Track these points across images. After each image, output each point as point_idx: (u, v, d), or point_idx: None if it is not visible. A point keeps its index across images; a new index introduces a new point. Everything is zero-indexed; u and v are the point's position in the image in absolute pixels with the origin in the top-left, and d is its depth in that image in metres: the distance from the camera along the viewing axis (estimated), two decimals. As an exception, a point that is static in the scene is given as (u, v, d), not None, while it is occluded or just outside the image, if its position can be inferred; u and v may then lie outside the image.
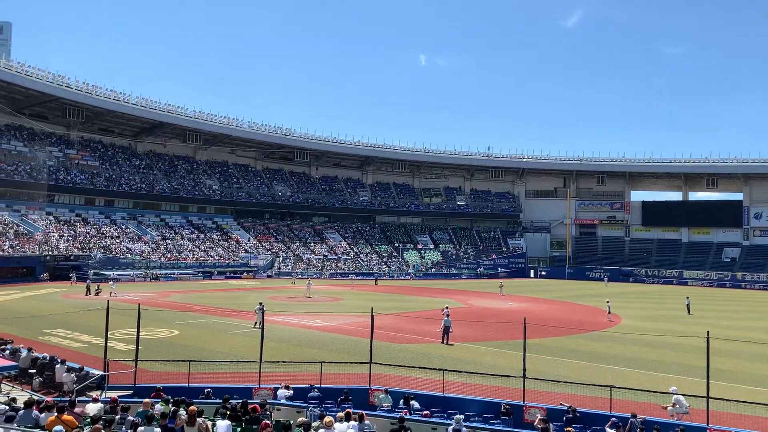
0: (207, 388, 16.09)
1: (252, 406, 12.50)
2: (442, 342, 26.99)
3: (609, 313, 38.42)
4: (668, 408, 15.44)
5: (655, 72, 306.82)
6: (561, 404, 15.56)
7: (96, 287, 46.76)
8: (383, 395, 15.90)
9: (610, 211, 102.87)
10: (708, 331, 14.40)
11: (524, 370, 16.13)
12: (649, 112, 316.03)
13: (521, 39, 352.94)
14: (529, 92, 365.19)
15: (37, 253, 59.02)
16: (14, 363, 18.05)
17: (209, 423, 11.31)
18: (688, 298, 44.98)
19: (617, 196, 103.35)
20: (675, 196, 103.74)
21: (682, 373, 21.48)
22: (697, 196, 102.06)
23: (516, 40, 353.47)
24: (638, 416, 13.94)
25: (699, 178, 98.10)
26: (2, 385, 17.51)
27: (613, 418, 13.76)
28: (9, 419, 9.93)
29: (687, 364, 22.92)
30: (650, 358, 24.75)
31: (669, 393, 15.92)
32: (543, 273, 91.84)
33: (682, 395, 15.63)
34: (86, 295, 44.70)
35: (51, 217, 68.65)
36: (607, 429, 13.28)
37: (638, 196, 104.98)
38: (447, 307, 30.34)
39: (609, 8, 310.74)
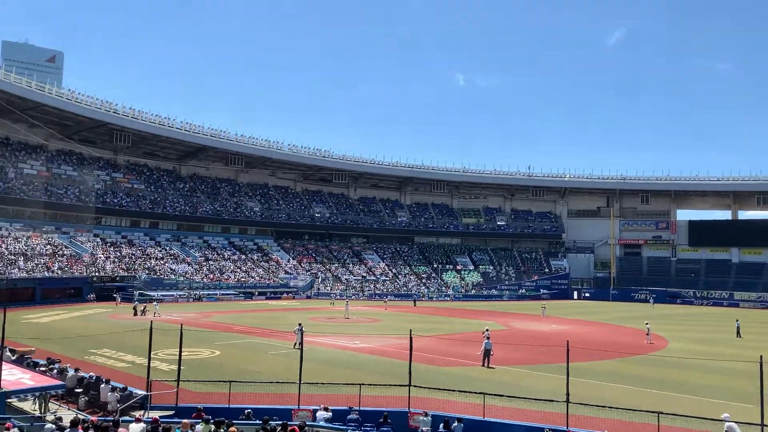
0: (247, 408, 16.14)
1: (291, 428, 12.48)
2: (483, 365, 26.57)
3: (648, 334, 37.27)
4: (720, 436, 14.80)
5: (700, 88, 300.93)
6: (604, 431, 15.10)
7: (142, 308, 47.67)
8: (423, 418, 15.68)
9: (655, 231, 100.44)
10: (761, 356, 13.82)
11: (567, 394, 15.72)
12: (695, 129, 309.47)
13: (561, 57, 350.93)
14: (569, 110, 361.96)
15: (85, 274, 60.57)
16: (61, 382, 18.42)
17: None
18: (737, 320, 43.26)
19: (663, 215, 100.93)
20: (723, 215, 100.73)
21: (734, 399, 20.64)
22: (748, 214, 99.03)
23: (556, 58, 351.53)
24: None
25: (749, 197, 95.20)
26: (50, 404, 17.91)
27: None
28: (55, 438, 10.10)
29: (739, 389, 22.02)
30: (700, 383, 23.89)
31: (721, 420, 15.27)
32: (587, 294, 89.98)
33: (735, 423, 14.98)
34: (134, 315, 45.57)
35: (98, 239, 70.53)
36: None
37: (684, 215, 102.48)
38: (487, 330, 29.92)
39: (651, 25, 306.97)
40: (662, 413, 15.24)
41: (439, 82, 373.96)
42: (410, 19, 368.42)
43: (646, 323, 39.59)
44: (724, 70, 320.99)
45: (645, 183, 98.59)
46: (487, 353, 26.81)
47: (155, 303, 49.94)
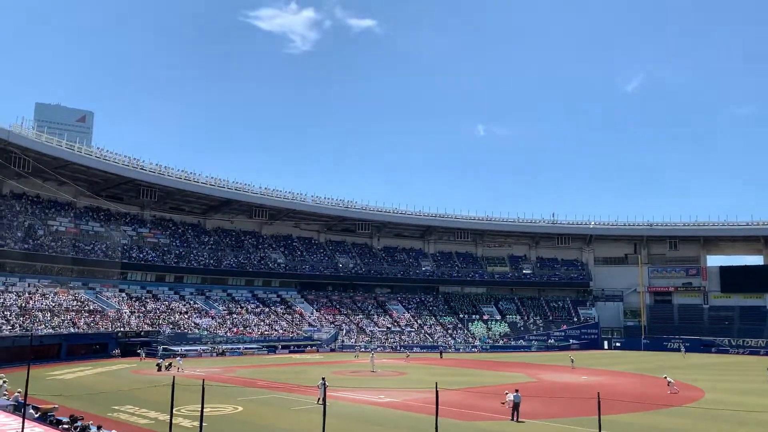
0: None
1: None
2: (512, 419, 25.76)
3: (669, 384, 35.77)
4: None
5: (722, 132, 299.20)
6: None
7: (167, 363, 47.42)
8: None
9: (685, 278, 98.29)
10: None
11: (601, 450, 15.08)
12: (720, 174, 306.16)
13: (579, 105, 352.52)
14: (592, 157, 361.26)
15: (110, 329, 60.80)
16: (82, 441, 18.18)
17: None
18: None
19: (692, 261, 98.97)
20: (755, 260, 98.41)
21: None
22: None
23: (574, 106, 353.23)
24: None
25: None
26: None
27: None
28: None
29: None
30: (740, 436, 22.84)
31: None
32: (617, 344, 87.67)
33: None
34: (158, 371, 45.32)
35: (123, 294, 71.06)
36: None
37: (715, 260, 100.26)
38: (516, 391, 28.59)
39: (669, 71, 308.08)
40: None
41: (459, 132, 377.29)
42: (429, 70, 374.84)
43: (665, 376, 38.21)
44: (744, 115, 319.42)
45: (672, 229, 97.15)
46: (516, 406, 25.98)
47: (179, 358, 49.74)
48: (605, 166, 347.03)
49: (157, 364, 47.23)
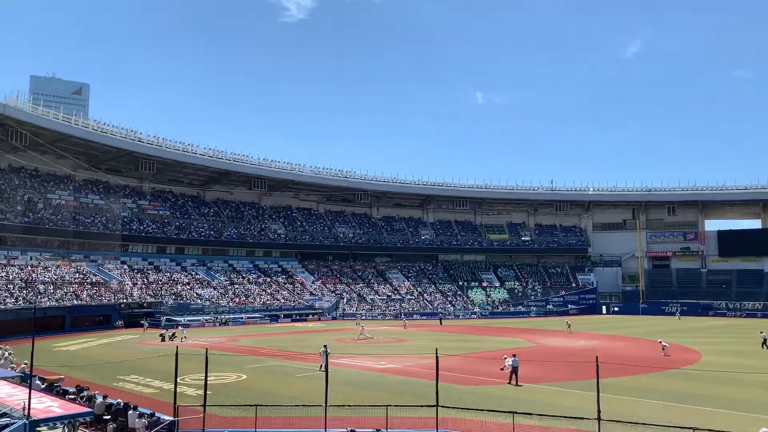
0: (273, 433, 16.09)
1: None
2: (510, 382, 26.19)
3: (663, 348, 36.61)
4: (759, 452, 14.35)
5: (721, 97, 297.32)
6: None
7: (170, 333, 47.83)
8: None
9: (683, 242, 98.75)
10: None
11: (599, 411, 15.41)
12: (718, 138, 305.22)
13: (578, 71, 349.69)
14: (591, 124, 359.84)
15: (113, 301, 61.29)
16: (89, 410, 18.51)
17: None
18: (762, 332, 41.96)
19: (690, 226, 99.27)
20: (753, 224, 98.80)
21: (772, 413, 20.04)
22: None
23: (573, 72, 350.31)
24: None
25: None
26: (79, 431, 18.03)
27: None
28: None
29: (777, 403, 21.39)
30: (735, 397, 23.26)
31: (759, 435, 14.82)
32: (616, 309, 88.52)
33: (774, 437, 14.51)
34: (162, 341, 45.75)
35: (125, 266, 71.42)
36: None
37: (713, 225, 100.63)
38: (514, 355, 29.02)
39: (669, 36, 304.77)
40: (697, 429, 14.86)
41: (457, 100, 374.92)
42: (428, 38, 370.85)
43: (660, 340, 38.95)
44: (747, 78, 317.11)
45: (671, 194, 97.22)
46: (515, 371, 26.39)
47: (181, 328, 50.26)
48: (604, 133, 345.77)
49: (161, 335, 47.75)
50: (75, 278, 62.45)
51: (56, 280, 60.23)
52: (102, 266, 68.82)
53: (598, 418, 15.31)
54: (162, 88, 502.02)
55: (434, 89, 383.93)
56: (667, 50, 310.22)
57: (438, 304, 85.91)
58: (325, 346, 29.55)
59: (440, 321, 71.37)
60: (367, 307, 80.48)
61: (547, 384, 26.47)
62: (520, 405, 20.06)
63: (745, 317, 77.05)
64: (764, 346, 39.83)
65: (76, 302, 57.43)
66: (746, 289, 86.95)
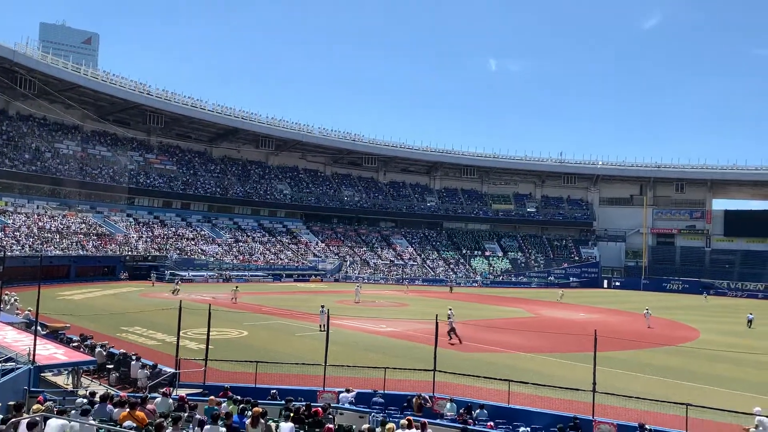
0: (273, 389, 16.32)
1: (315, 409, 12.57)
2: (450, 341, 27.56)
3: (646, 317, 39.25)
4: (750, 430, 14.51)
5: (739, 74, 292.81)
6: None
7: (178, 287, 47.86)
8: (447, 403, 15.69)
9: (689, 220, 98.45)
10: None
11: (594, 383, 15.56)
12: (732, 117, 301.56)
13: (595, 42, 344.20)
14: (603, 96, 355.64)
15: (118, 253, 61.79)
16: (93, 358, 18.84)
17: (273, 425, 11.43)
18: (751, 314, 43.15)
19: (697, 204, 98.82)
20: (761, 205, 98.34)
21: (767, 393, 20.21)
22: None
23: (590, 43, 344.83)
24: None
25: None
26: (82, 379, 18.37)
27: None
28: (84, 412, 10.32)
29: (772, 383, 21.56)
30: (732, 375, 23.46)
31: (752, 414, 14.96)
32: (617, 283, 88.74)
33: (767, 417, 14.66)
34: (173, 294, 45.64)
35: (131, 219, 71.81)
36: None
37: (720, 204, 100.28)
38: (450, 309, 31.03)
39: (688, 10, 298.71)
40: (691, 405, 15.01)
41: (471, 66, 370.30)
42: (443, 3, 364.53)
43: (646, 309, 41.06)
44: (762, 56, 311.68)
45: (680, 171, 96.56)
46: (453, 330, 28.22)
47: (177, 279, 50.78)
48: (616, 106, 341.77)
49: (173, 290, 47.51)
50: (81, 229, 62.88)
51: (62, 229, 60.65)
52: (108, 218, 69.20)
53: (593, 390, 15.48)
54: (172, 43, 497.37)
55: (448, 55, 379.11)
56: (686, 25, 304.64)
57: (440, 271, 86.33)
58: (322, 306, 29.93)
59: (450, 289, 70.07)
60: (370, 271, 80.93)
61: (545, 354, 26.73)
62: (516, 373, 20.29)
63: (746, 297, 77.19)
64: (749, 325, 41.51)
65: (81, 252, 57.93)
66: (750, 270, 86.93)
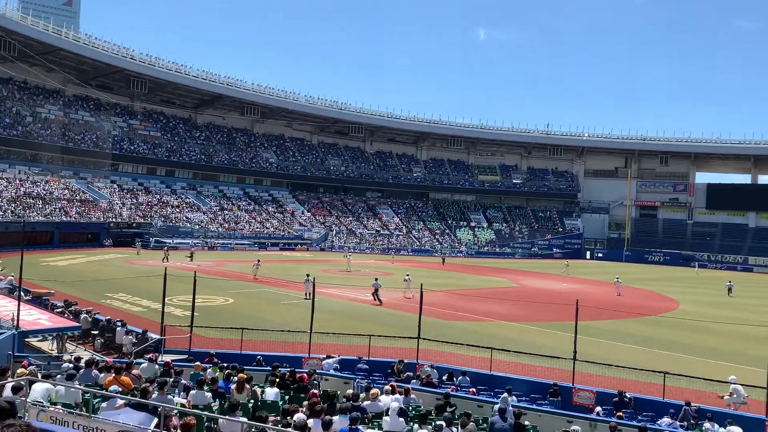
0: (258, 355, 16.49)
1: (300, 375, 12.72)
2: (375, 302, 30.34)
3: (617, 285, 41.46)
4: (725, 397, 14.93)
5: (724, 47, 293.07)
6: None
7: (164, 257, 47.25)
8: (430, 370, 15.94)
9: (672, 193, 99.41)
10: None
11: (575, 352, 15.87)
12: (717, 90, 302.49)
13: (584, 13, 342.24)
14: (590, 68, 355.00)
15: (102, 219, 61.32)
16: (77, 324, 18.86)
17: (258, 390, 11.57)
18: (730, 281, 46.43)
19: (681, 177, 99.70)
20: (743, 178, 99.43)
21: (742, 362, 20.73)
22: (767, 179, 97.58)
23: (578, 14, 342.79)
24: (692, 404, 13.54)
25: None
26: (67, 345, 18.41)
27: (671, 410, 13.39)
28: (70, 377, 10.38)
29: (748, 353, 22.09)
30: (708, 345, 23.99)
31: (727, 382, 15.37)
32: (600, 255, 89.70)
33: (741, 385, 15.08)
34: (162, 261, 45.01)
35: (115, 185, 71.11)
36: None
37: (703, 177, 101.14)
38: (376, 279, 33.00)
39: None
40: (668, 373, 15.37)
41: (459, 35, 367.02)
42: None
43: (617, 278, 43.13)
44: (747, 29, 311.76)
45: (665, 144, 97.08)
46: (376, 291, 30.86)
47: (165, 247, 50.84)
48: (603, 76, 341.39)
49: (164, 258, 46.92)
50: (64, 195, 62.23)
51: (45, 195, 60.00)
52: (91, 184, 68.48)
53: (574, 359, 15.78)
54: (156, 7, 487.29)
55: (437, 23, 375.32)
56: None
57: (426, 241, 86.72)
58: (307, 275, 30.07)
59: (443, 260, 66.55)
60: (356, 240, 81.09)
61: (527, 323, 27.11)
62: (498, 342, 20.61)
63: (725, 269, 78.41)
64: (729, 293, 43.89)
65: (64, 219, 57.42)
66: (729, 242, 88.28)
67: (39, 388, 8.88)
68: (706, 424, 12.20)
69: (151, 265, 43.65)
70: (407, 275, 35.68)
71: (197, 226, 69.19)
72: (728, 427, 11.91)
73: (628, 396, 14.34)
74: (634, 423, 11.57)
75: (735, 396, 14.81)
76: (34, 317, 17.38)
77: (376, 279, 32.88)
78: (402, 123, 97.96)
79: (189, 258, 49.37)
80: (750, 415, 13.62)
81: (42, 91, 72.15)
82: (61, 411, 7.62)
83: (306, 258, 61.87)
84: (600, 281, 51.90)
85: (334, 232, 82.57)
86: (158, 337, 17.74)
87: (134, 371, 12.12)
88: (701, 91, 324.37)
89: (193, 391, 10.57)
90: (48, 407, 7.83)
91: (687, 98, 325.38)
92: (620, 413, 12.54)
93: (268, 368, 13.85)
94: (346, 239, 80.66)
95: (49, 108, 70.84)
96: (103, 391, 9.56)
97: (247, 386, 11.03)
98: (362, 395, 11.62)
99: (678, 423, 12.72)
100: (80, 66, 72.33)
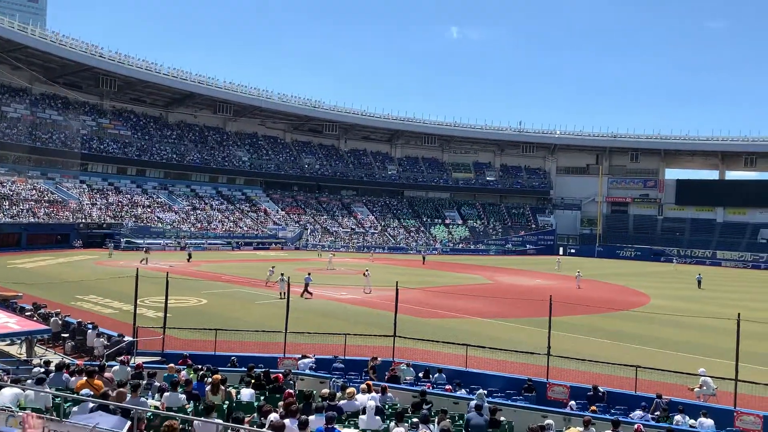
0: (233, 356, 16.33)
1: (275, 375, 12.63)
2: (302, 296, 30.71)
3: (577, 278, 43.26)
4: (695, 389, 15.21)
5: (694, 46, 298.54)
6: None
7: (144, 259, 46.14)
8: (406, 368, 15.95)
9: (643, 189, 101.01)
10: (739, 314, 14.09)
11: (549, 347, 16.01)
12: (686, 88, 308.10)
13: (555, 11, 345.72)
14: (562, 66, 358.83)
15: (71, 220, 60.21)
16: (47, 327, 18.48)
17: (233, 391, 11.46)
18: (699, 274, 48.39)
19: (651, 174, 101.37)
20: (711, 174, 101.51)
21: (711, 355, 21.13)
22: (734, 175, 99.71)
23: (550, 12, 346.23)
24: (663, 397, 13.77)
25: (737, 157, 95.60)
26: (37, 348, 18.02)
27: (643, 403, 13.59)
28: (39, 381, 10.16)
29: (717, 346, 22.51)
30: (679, 339, 24.41)
31: (697, 375, 15.66)
32: (572, 251, 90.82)
33: (710, 377, 15.37)
34: (141, 262, 43.81)
35: (84, 186, 69.88)
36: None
37: (673, 174, 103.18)
38: (309, 274, 33.75)
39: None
40: (640, 367, 15.61)
41: (432, 34, 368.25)
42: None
43: (578, 272, 44.87)
44: (716, 29, 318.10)
45: (635, 141, 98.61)
46: (306, 287, 31.57)
47: (145, 248, 50.27)
48: (575, 75, 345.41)
49: (143, 260, 45.79)
50: (31, 195, 61.00)
51: (12, 196, 58.73)
52: (60, 185, 67.22)
53: (548, 354, 15.93)
54: (125, 4, 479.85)
55: (409, 22, 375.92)
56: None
57: (401, 239, 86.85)
58: (282, 274, 29.92)
59: (423, 259, 64.13)
60: (331, 239, 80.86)
61: (502, 320, 27.31)
62: (474, 338, 20.73)
63: (694, 264, 79.88)
64: (699, 286, 45.53)
65: (32, 220, 56.31)
66: (698, 237, 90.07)
67: (8, 393, 8.67)
68: (678, 417, 12.42)
69: (122, 266, 42.94)
70: (366, 270, 37.32)
71: (169, 226, 68.33)
72: (699, 419, 12.14)
73: (602, 390, 14.52)
74: (608, 416, 11.70)
75: (704, 388, 15.09)
76: (1, 321, 16.97)
77: (367, 269, 35.99)
78: (376, 121, 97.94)
79: (187, 260, 49.48)
80: (719, 407, 13.89)
81: (8, 89, 70.57)
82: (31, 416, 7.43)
83: (280, 257, 61.46)
84: (573, 277, 52.36)
85: (309, 230, 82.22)
86: (130, 339, 17.47)
87: (107, 374, 11.91)
88: (671, 89, 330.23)
89: (166, 393, 10.42)
90: (17, 413, 7.64)
91: (657, 96, 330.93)
92: (594, 407, 12.69)
93: (243, 369, 13.73)
94: (321, 238, 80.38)
95: (15, 107, 69.32)
96: (75, 395, 9.37)
97: (222, 387, 10.92)
98: (338, 394, 11.58)
99: (650, 416, 12.91)
100: (47, 64, 70.92)
